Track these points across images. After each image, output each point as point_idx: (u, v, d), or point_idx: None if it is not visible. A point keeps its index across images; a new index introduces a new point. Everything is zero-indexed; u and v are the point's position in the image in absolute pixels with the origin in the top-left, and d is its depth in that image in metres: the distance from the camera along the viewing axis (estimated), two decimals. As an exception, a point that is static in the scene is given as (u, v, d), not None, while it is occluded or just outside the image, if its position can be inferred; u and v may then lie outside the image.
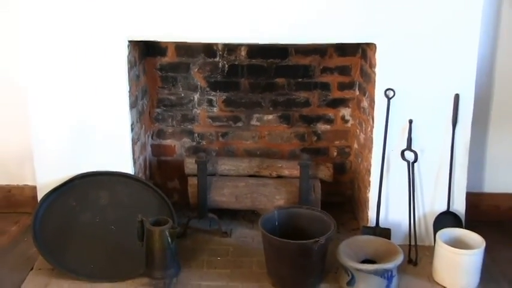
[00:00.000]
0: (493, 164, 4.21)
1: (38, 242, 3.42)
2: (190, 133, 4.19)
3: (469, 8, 3.48)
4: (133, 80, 3.66)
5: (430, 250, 3.61)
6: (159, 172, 4.24)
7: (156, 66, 4.05)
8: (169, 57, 4.03)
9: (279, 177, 4.00)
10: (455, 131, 3.65)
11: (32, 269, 3.45)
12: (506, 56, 3.98)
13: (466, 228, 3.66)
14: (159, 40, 3.82)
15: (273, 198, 3.90)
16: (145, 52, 3.95)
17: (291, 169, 3.97)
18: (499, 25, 3.91)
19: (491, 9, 3.84)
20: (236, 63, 4.06)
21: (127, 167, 3.63)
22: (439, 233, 3.54)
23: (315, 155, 4.20)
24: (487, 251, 3.48)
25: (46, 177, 3.57)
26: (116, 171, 3.61)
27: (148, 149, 4.15)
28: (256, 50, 4.01)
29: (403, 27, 3.48)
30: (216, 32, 3.48)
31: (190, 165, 3.95)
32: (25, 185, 4.02)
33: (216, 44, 3.97)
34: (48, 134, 3.56)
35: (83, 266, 3.40)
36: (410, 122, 3.62)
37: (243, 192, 3.93)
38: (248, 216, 4.02)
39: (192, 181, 3.94)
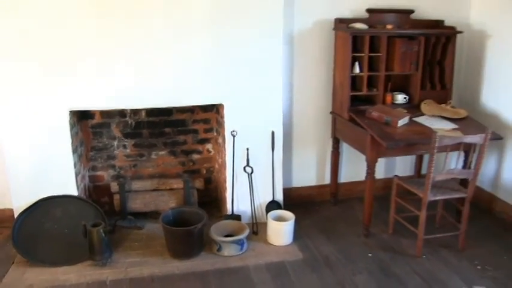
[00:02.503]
0: (296, 170, 4.35)
1: (16, 245, 3.36)
2: (113, 166, 4.11)
3: (275, 82, 3.73)
4: (74, 135, 3.61)
5: (265, 224, 3.75)
6: (95, 192, 4.12)
7: (88, 125, 3.96)
8: (97, 119, 3.96)
9: (171, 189, 4.00)
10: (274, 153, 3.86)
11: (13, 263, 3.39)
12: (298, 109, 4.19)
13: (284, 209, 3.88)
14: (89, 109, 3.78)
15: (168, 203, 3.92)
16: (81, 117, 3.87)
17: (178, 184, 3.99)
18: (293, 89, 4.13)
19: (287, 80, 4.07)
20: (140, 120, 4.04)
21: (73, 191, 3.58)
22: (269, 214, 3.75)
23: (192, 174, 4.25)
24: (296, 221, 3.71)
25: (19, 202, 3.50)
26: (66, 194, 3.54)
27: (87, 178, 4.05)
28: (152, 111, 4.01)
29: (238, 93, 3.67)
30: (125, 103, 3.55)
31: (114, 186, 3.93)
32: (5, 208, 3.81)
33: (126, 109, 3.95)
34: (19, 173, 3.48)
35: (47, 257, 3.35)
36: (247, 149, 3.79)
37: (149, 201, 3.94)
38: (153, 215, 3.98)
39: (116, 196, 3.92)
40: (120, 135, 4.08)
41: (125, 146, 4.12)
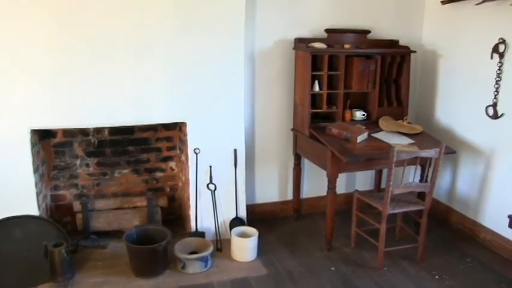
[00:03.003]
0: (259, 187, 4.34)
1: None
2: (75, 185, 4.02)
3: (237, 100, 3.75)
4: (35, 154, 3.53)
5: (229, 241, 3.73)
6: (57, 212, 3.99)
7: (50, 144, 3.86)
8: (59, 138, 3.87)
9: (134, 207, 3.95)
10: (237, 170, 3.86)
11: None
12: (260, 126, 4.19)
13: (248, 225, 3.86)
14: (51, 128, 3.66)
15: (132, 221, 3.88)
16: (43, 135, 3.77)
17: (141, 202, 3.95)
18: (255, 107, 4.15)
19: (249, 98, 4.10)
20: (102, 139, 3.98)
21: (34, 211, 3.45)
22: (233, 230, 3.73)
23: (155, 192, 4.19)
24: (260, 237, 3.71)
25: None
26: (28, 214, 3.39)
27: (49, 197, 3.94)
28: (114, 130, 3.96)
29: (201, 111, 3.67)
30: (87, 121, 3.48)
31: (77, 205, 3.85)
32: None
33: (88, 128, 3.88)
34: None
35: (6, 280, 3.21)
36: (210, 166, 3.79)
37: (112, 219, 3.88)
38: (117, 234, 3.86)
39: (79, 216, 3.84)
40: (83, 154, 4.01)
41: (87, 165, 4.05)
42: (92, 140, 4.01)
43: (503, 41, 3.69)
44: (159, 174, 4.26)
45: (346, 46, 4.01)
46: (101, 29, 3.34)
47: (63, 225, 3.77)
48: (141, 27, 3.41)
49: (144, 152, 4.15)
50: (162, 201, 4.06)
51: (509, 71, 3.68)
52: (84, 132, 3.96)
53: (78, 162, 4.02)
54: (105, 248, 3.80)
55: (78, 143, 3.98)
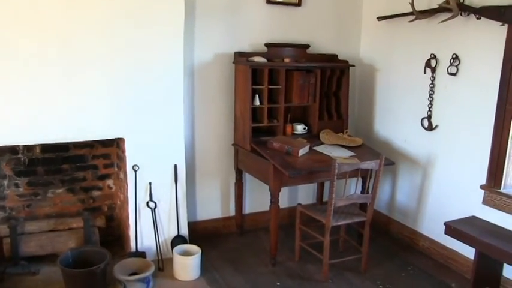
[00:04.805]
0: (200, 203, 4.29)
1: None
2: (2, 208, 3.77)
3: (176, 115, 3.71)
4: None
5: (171, 260, 3.68)
6: None
7: None
8: None
9: (70, 229, 3.79)
10: (177, 186, 3.81)
11: None
12: (201, 141, 4.18)
13: (190, 243, 3.83)
14: None
15: (67, 244, 3.70)
16: None
17: (77, 223, 3.81)
18: (194, 122, 4.13)
19: (189, 112, 4.07)
20: (34, 157, 3.80)
21: None
22: (175, 249, 3.68)
23: (92, 211, 4.02)
24: (203, 254, 3.69)
25: None
26: None
27: None
28: (47, 147, 3.79)
29: (139, 127, 3.61)
30: (16, 138, 3.32)
31: (4, 230, 3.62)
32: None
33: (18, 146, 3.69)
34: None
35: None
36: (150, 183, 3.72)
37: (45, 243, 3.68)
38: (51, 258, 3.65)
39: (6, 240, 3.61)
40: (12, 174, 3.80)
41: (17, 185, 3.84)
42: (22, 159, 3.82)
43: (434, 57, 3.88)
44: (96, 193, 4.13)
45: (286, 60, 4.07)
46: (32, 42, 3.20)
47: (-12, 252, 3.57)
48: (75, 40, 3.30)
49: (80, 170, 4.02)
50: (100, 221, 3.94)
51: (441, 85, 3.87)
52: (12, 150, 3.76)
53: (5, 182, 3.81)
54: (37, 274, 3.60)
55: (6, 162, 3.78)
